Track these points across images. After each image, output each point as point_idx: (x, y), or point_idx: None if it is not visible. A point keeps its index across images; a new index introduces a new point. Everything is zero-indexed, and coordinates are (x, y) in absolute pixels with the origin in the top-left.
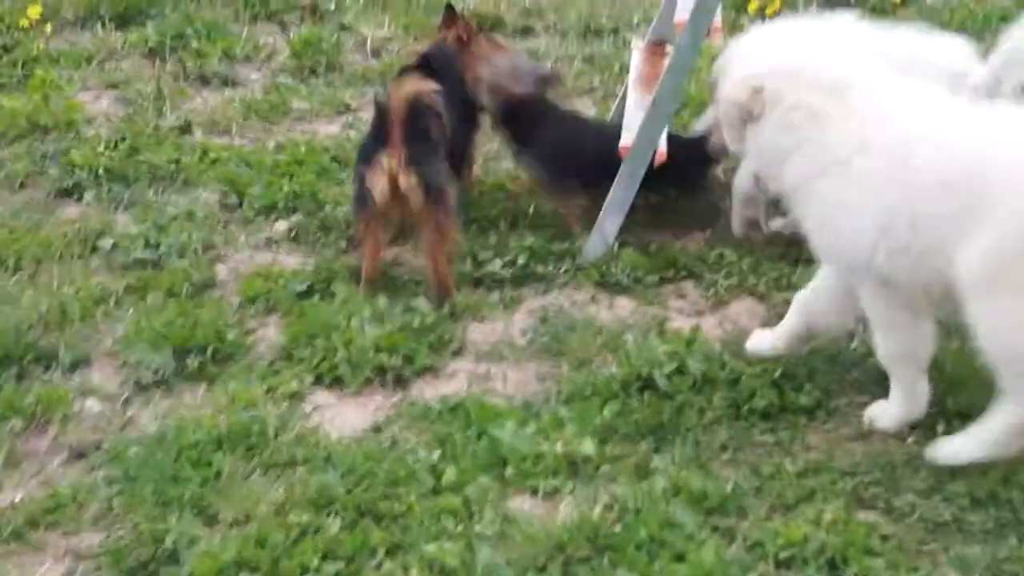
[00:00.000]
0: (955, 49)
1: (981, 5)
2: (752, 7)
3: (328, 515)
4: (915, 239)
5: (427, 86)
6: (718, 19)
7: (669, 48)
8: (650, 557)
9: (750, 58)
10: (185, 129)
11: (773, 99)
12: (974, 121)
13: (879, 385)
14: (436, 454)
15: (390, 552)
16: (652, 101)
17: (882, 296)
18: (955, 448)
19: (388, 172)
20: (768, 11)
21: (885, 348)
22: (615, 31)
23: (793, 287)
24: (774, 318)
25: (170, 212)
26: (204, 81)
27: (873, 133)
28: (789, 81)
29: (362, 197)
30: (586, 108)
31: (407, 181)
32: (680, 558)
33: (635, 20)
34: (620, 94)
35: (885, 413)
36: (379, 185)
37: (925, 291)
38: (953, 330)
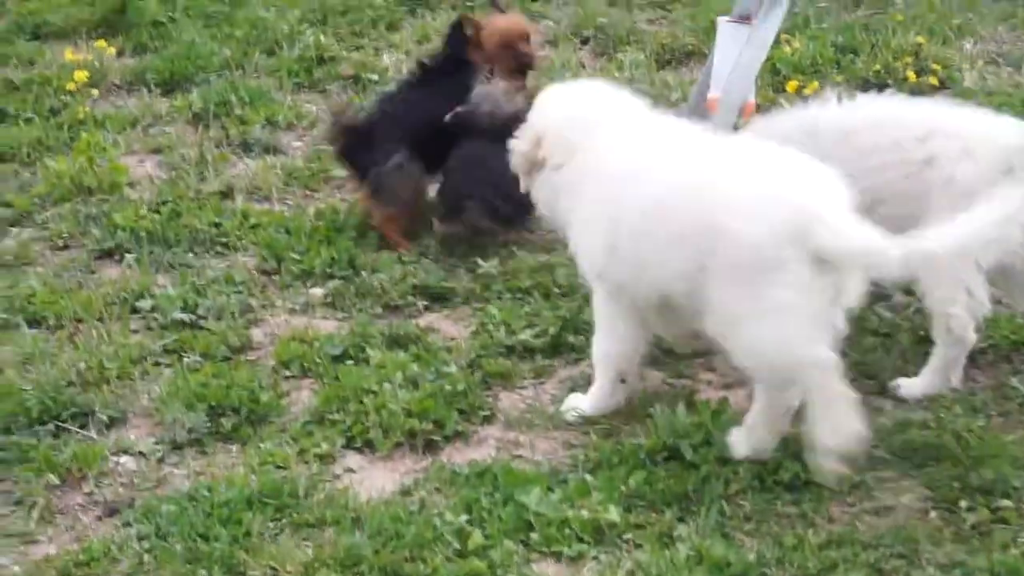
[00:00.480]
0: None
1: (1020, 90)
2: (791, 87)
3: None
4: (633, 255)
5: None
6: (751, 97)
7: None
8: None
9: (537, 114)
10: (226, 194)
11: (551, 145)
12: (701, 151)
13: (905, 460)
14: (463, 518)
15: None
16: None
17: (610, 304)
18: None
19: None
20: (807, 91)
21: (598, 348)
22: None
23: None
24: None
25: (209, 275)
26: (246, 148)
27: (605, 162)
28: (559, 125)
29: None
30: None
31: None
32: None
33: (674, 97)
34: None
35: (576, 400)
36: None
37: (646, 303)
38: (980, 406)
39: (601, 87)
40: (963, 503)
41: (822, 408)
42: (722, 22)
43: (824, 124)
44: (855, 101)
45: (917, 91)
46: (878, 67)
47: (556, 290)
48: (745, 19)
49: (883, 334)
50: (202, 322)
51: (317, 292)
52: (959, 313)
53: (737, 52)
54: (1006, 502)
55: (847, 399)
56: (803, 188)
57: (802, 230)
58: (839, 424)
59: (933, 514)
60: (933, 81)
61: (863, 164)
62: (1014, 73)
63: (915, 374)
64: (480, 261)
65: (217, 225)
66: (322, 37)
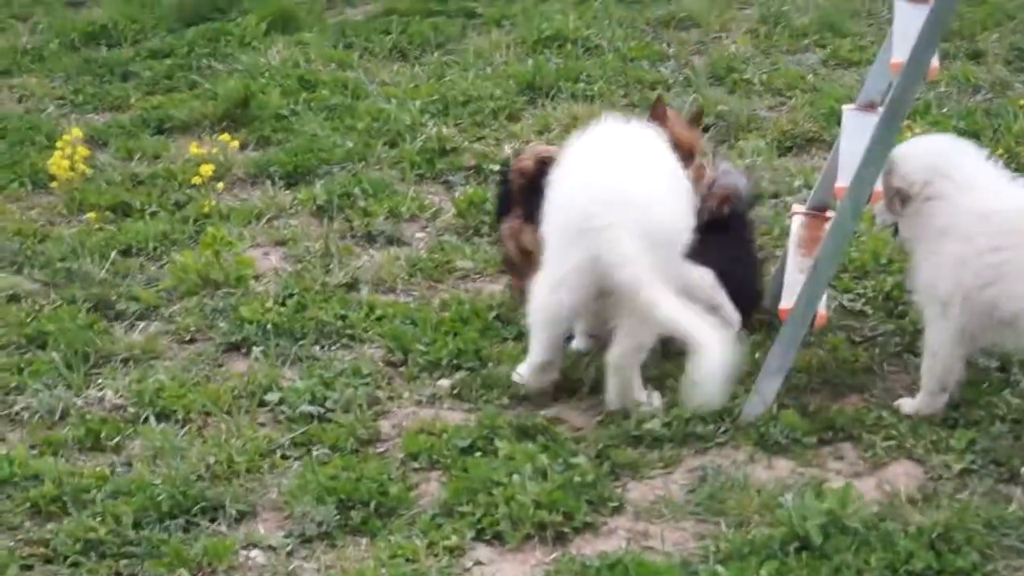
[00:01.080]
0: None
1: None
2: None
3: None
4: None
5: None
6: (879, 185)
7: (829, 213)
8: None
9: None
10: (352, 286)
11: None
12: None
13: None
14: None
15: None
16: (813, 264)
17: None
18: None
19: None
20: None
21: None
22: (775, 195)
23: (952, 450)
24: (930, 480)
25: (336, 367)
26: (370, 239)
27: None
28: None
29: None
30: None
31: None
32: None
33: (795, 185)
34: (782, 258)
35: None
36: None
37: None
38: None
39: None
40: None
41: None
42: (847, 110)
43: None
44: None
45: None
46: (1000, 151)
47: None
48: (870, 107)
49: (1012, 420)
50: (330, 415)
51: (444, 384)
52: None
53: (862, 140)
54: None
55: None
56: None
57: None
58: None
59: None
60: None
61: None
62: None
63: None
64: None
65: (343, 317)
66: (444, 128)
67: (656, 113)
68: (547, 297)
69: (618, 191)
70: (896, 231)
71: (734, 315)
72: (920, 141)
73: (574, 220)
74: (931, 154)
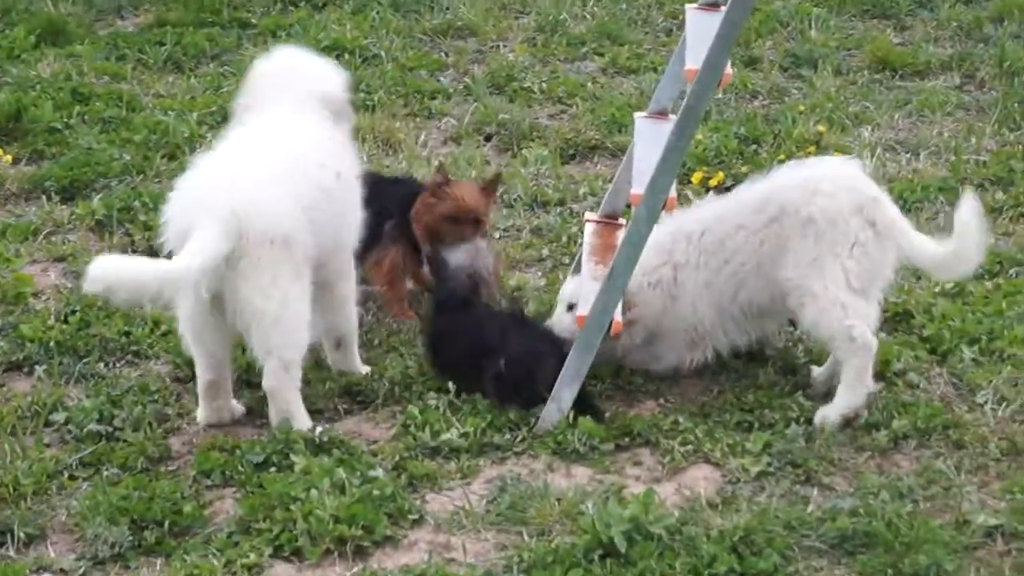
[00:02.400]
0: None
1: (919, 176)
2: (696, 179)
3: None
4: None
5: None
6: (673, 191)
7: (621, 221)
8: None
9: None
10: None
11: None
12: None
13: (836, 548)
14: None
15: None
16: (608, 272)
17: None
18: None
19: None
20: (712, 182)
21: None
22: (561, 202)
23: (748, 453)
24: (729, 484)
25: (123, 385)
26: (152, 253)
27: None
28: None
29: None
30: (535, 279)
31: None
32: None
33: (581, 192)
34: (572, 265)
35: None
36: None
37: None
38: (907, 491)
39: None
40: None
41: None
42: (639, 118)
43: None
44: None
45: None
46: (782, 156)
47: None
48: (662, 115)
49: (806, 421)
50: (119, 433)
51: (237, 406)
52: (855, 322)
53: (656, 147)
54: None
55: None
56: None
57: None
58: None
59: None
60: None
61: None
62: (912, 159)
63: (841, 462)
64: (407, 362)
65: (127, 334)
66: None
67: (437, 182)
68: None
69: (204, 193)
70: None
71: None
72: None
73: (174, 225)
74: None
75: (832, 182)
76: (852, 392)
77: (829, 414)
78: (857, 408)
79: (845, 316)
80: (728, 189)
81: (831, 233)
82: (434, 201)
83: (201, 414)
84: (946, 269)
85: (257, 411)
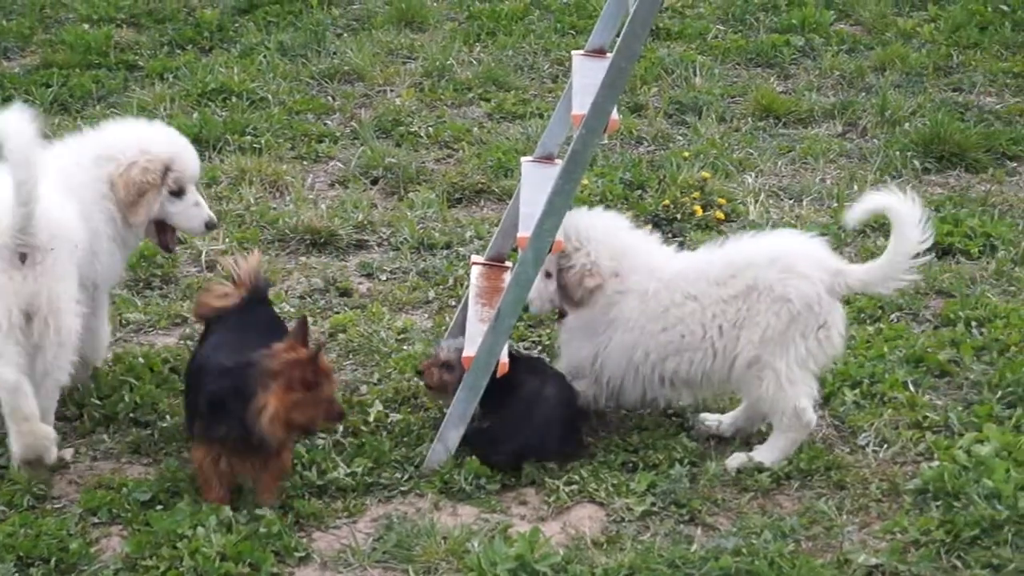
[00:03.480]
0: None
1: (802, 222)
2: None
3: None
4: None
5: None
6: (560, 236)
7: (507, 264)
8: None
9: None
10: None
11: None
12: None
13: None
14: None
15: None
16: (495, 314)
17: None
18: None
19: None
20: None
21: None
22: (448, 245)
23: (633, 493)
24: (613, 523)
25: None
26: None
27: None
28: None
29: None
30: (422, 321)
31: None
32: None
33: (467, 236)
34: (459, 307)
35: None
36: None
37: None
38: (789, 531)
39: None
40: None
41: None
42: (525, 163)
43: None
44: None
45: (704, 225)
46: (667, 202)
47: (364, 428)
48: (548, 159)
49: (690, 462)
50: (2, 471)
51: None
52: (806, 404)
53: (542, 191)
54: None
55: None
56: None
57: None
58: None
59: None
60: (719, 215)
61: None
62: (795, 205)
63: (724, 502)
64: None
65: None
66: None
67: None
68: None
69: None
70: None
71: None
72: None
73: None
74: None
75: (807, 261)
76: (778, 455)
77: (746, 457)
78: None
79: (798, 395)
80: None
81: (805, 315)
82: None
83: None
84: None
85: (145, 449)
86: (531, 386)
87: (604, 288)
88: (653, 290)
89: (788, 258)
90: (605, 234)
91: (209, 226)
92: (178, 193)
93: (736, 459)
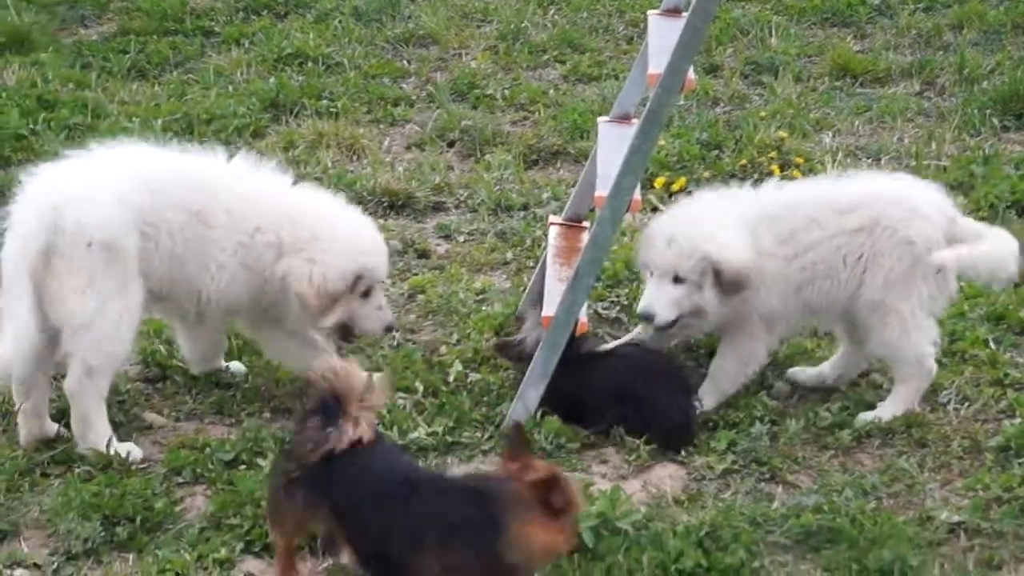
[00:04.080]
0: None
1: None
2: (659, 183)
3: None
4: None
5: None
6: (637, 194)
7: (585, 224)
8: None
9: None
10: None
11: None
12: None
13: (801, 544)
14: None
15: None
16: (573, 274)
17: None
18: None
19: None
20: (674, 187)
21: None
22: (525, 207)
23: (713, 451)
24: (694, 481)
25: None
26: None
27: None
28: None
29: None
30: (500, 282)
31: None
32: None
33: (544, 197)
34: (537, 267)
35: None
36: None
37: None
38: (870, 488)
39: None
40: None
41: None
42: (602, 123)
43: None
44: None
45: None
46: (744, 161)
47: (443, 388)
48: (625, 119)
49: (770, 420)
50: None
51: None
52: (929, 350)
53: (619, 151)
54: None
55: None
56: None
57: None
58: None
59: None
60: (797, 174)
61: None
62: (873, 164)
63: (805, 460)
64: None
65: None
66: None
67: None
68: None
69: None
70: None
71: None
72: None
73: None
74: None
75: (930, 205)
76: (902, 407)
77: (872, 416)
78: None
79: (922, 342)
80: (690, 194)
81: (926, 257)
82: None
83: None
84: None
85: (227, 410)
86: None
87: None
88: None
89: (912, 200)
90: None
91: (388, 328)
92: (365, 294)
93: (861, 419)
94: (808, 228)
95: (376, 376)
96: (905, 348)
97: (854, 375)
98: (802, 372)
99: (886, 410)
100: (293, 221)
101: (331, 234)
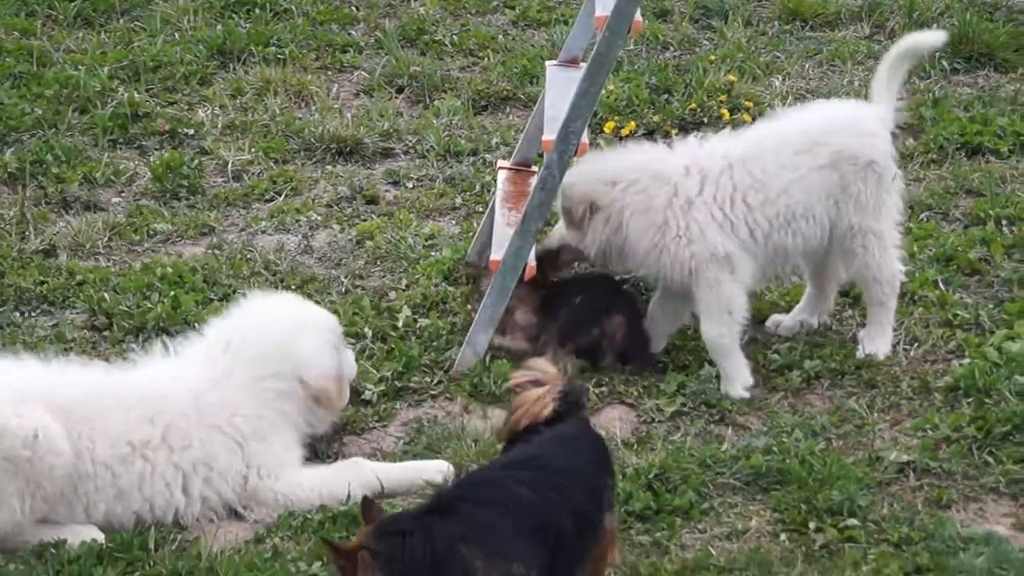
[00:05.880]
0: None
1: None
2: (608, 128)
3: None
4: None
5: None
6: (585, 137)
7: (534, 168)
8: None
9: None
10: (49, 252)
11: None
12: None
13: (751, 485)
14: (316, 565)
15: None
16: (522, 218)
17: None
18: None
19: None
20: (624, 132)
21: None
22: (474, 152)
23: (663, 394)
24: (644, 424)
25: (39, 334)
26: (66, 205)
27: None
28: None
29: None
30: (449, 227)
31: None
32: None
33: (493, 142)
34: (487, 212)
35: None
36: None
37: None
38: (820, 429)
39: None
40: (811, 524)
41: None
42: (550, 66)
43: None
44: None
45: (732, 128)
46: (693, 106)
47: (392, 333)
48: (572, 63)
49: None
50: None
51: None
52: (901, 268)
53: (567, 95)
54: (853, 521)
55: None
56: None
57: None
58: None
59: (783, 536)
60: (746, 118)
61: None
62: None
63: (755, 402)
64: None
65: (43, 283)
66: (135, 94)
67: None
68: None
69: None
70: None
71: None
72: None
73: None
74: None
75: (878, 123)
76: (888, 332)
77: (868, 352)
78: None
79: (895, 259)
80: (640, 139)
81: (886, 174)
82: None
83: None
84: None
85: None
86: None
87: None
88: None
89: (864, 122)
90: None
91: None
92: None
93: (858, 358)
94: (778, 173)
95: None
96: (884, 267)
97: (830, 311)
98: (781, 320)
99: (876, 343)
100: None
101: None
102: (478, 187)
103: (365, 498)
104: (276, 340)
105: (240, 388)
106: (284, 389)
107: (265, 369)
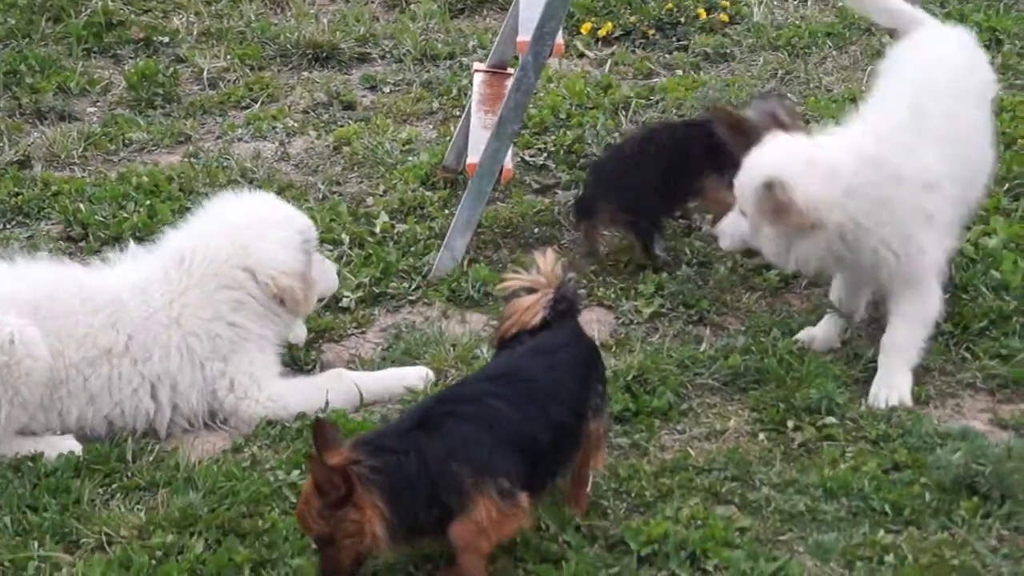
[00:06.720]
0: None
1: (807, 23)
2: (585, 29)
3: (192, 535)
4: None
5: None
6: (559, 38)
7: (510, 70)
8: (516, 562)
9: None
10: (24, 163)
11: None
12: None
13: (730, 385)
14: (295, 473)
15: (255, 569)
16: (497, 120)
17: None
18: None
19: None
20: (600, 33)
21: None
22: (451, 56)
23: (641, 295)
24: (622, 326)
25: (14, 245)
26: (40, 116)
27: None
28: None
29: None
30: (426, 131)
31: None
32: (545, 559)
33: (470, 45)
34: (463, 115)
35: None
36: None
37: None
38: (797, 328)
39: None
40: (790, 423)
41: None
42: None
43: None
44: None
45: (708, 28)
46: (670, 6)
47: (370, 239)
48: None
49: (698, 263)
50: None
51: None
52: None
53: None
54: (831, 419)
55: None
56: None
57: None
58: None
59: (762, 436)
60: (724, 18)
61: None
62: (800, 6)
63: (733, 302)
64: None
65: (18, 195)
66: (109, 2)
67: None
68: None
69: None
70: None
71: None
72: None
73: None
74: None
75: None
76: None
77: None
78: None
79: None
80: (617, 40)
81: None
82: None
83: None
84: None
85: None
86: None
87: None
88: None
89: None
90: None
91: None
92: None
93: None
94: None
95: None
96: None
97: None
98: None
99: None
100: None
101: None
102: (455, 91)
103: (318, 419)
104: (235, 241)
105: (194, 307)
106: (241, 299)
107: (218, 281)
